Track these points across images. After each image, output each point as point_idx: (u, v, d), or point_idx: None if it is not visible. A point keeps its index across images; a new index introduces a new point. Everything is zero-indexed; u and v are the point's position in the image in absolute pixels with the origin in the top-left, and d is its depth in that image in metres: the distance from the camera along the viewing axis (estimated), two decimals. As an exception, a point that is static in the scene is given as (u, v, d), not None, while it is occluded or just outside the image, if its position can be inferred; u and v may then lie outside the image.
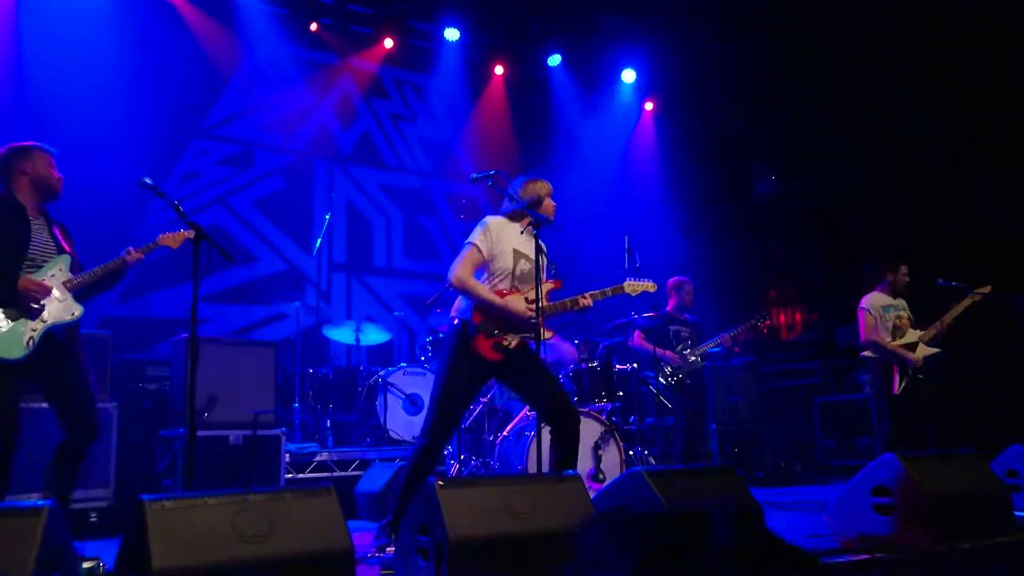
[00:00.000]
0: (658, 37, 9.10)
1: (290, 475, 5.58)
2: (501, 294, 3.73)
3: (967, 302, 5.45)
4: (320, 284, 8.08)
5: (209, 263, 3.18)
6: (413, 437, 6.14)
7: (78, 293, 3.62)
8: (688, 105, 9.74)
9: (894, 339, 5.50)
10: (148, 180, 3.42)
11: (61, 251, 3.63)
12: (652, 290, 4.24)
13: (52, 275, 3.55)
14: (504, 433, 5.51)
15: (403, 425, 6.31)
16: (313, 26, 8.51)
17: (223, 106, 8.12)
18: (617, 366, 6.17)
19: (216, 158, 8.01)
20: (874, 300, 5.65)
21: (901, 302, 5.69)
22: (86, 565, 3.20)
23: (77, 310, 3.58)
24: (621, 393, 6.05)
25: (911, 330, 5.53)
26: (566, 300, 3.89)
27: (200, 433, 4.97)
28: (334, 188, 8.60)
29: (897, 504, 3.60)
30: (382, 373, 6.49)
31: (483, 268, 3.80)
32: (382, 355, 7.85)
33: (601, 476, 5.31)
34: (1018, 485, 4.57)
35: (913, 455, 3.76)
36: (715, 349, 6.31)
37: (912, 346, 5.47)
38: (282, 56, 8.37)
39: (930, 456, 3.92)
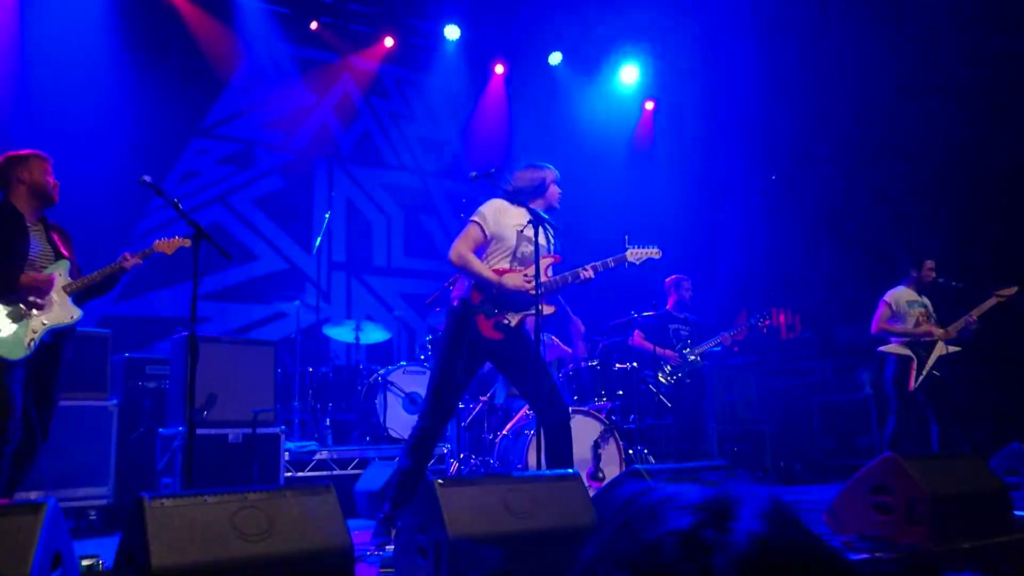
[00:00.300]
0: (659, 35, 9.10)
1: (289, 473, 5.58)
2: (499, 272, 3.75)
3: (992, 302, 5.43)
4: (320, 283, 8.09)
5: (209, 262, 3.19)
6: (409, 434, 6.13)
7: (76, 297, 3.68)
8: (689, 102, 9.73)
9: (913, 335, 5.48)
10: (148, 178, 3.44)
11: (59, 256, 3.69)
12: (656, 256, 4.12)
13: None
14: (504, 432, 5.51)
15: (403, 424, 6.30)
16: (313, 25, 8.51)
17: (223, 105, 8.12)
18: (617, 365, 6.17)
19: (216, 157, 8.01)
20: (898, 295, 5.64)
21: (925, 300, 5.67)
22: (85, 563, 3.20)
23: (76, 313, 3.65)
24: (621, 392, 6.05)
25: (932, 327, 5.50)
26: (567, 273, 3.90)
27: (199, 431, 4.96)
28: (334, 187, 8.60)
29: (897, 504, 3.59)
30: (382, 372, 6.49)
31: (483, 247, 3.81)
32: (382, 354, 7.85)
33: (601, 475, 5.31)
34: (1017, 484, 4.57)
35: (913, 454, 3.76)
36: (715, 348, 6.31)
37: (930, 344, 5.43)
38: (282, 55, 8.37)
39: (930, 455, 3.92)
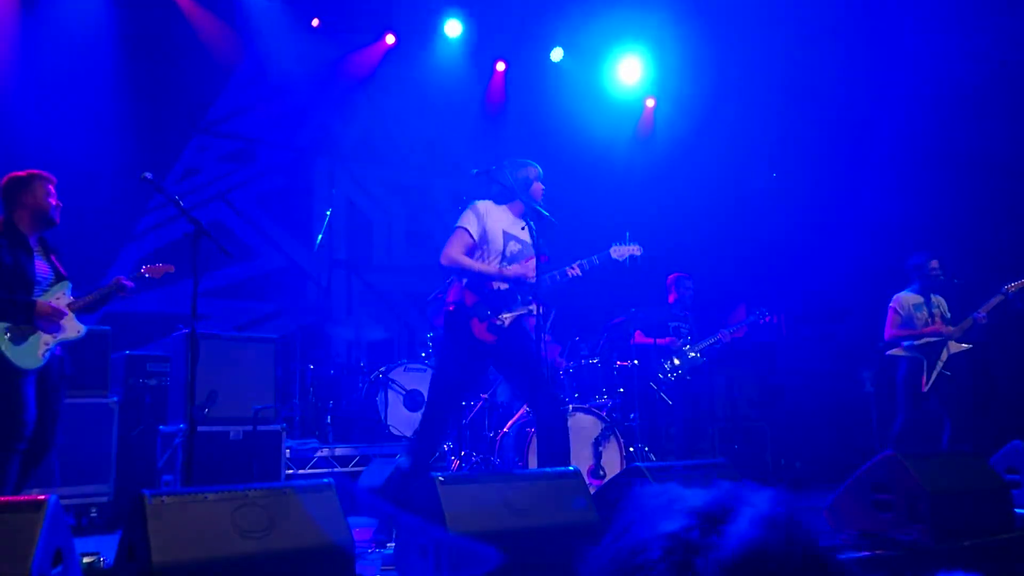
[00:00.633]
0: (660, 33, 9.08)
1: (290, 471, 5.59)
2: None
3: (1000, 298, 5.40)
4: (321, 280, 8.08)
5: (209, 259, 3.20)
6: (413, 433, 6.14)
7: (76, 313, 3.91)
8: (689, 99, 9.72)
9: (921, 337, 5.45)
10: (149, 175, 3.46)
11: (60, 277, 3.88)
12: (638, 253, 4.17)
13: (56, 298, 3.79)
14: (504, 429, 5.52)
15: (404, 421, 6.31)
16: (315, 21, 8.50)
17: (224, 102, 8.11)
18: (617, 363, 6.17)
19: (217, 154, 8.01)
20: (904, 299, 5.60)
21: (936, 299, 5.61)
22: (86, 560, 3.20)
23: (82, 328, 3.90)
24: (622, 390, 6.05)
25: (940, 326, 5.47)
26: (555, 272, 3.92)
27: (200, 428, 4.94)
28: (335, 184, 8.59)
29: (897, 501, 3.59)
30: (383, 369, 6.49)
31: (472, 249, 3.82)
32: (383, 351, 7.84)
33: (601, 472, 5.31)
34: (1017, 482, 4.56)
35: (913, 452, 3.76)
36: (715, 346, 6.32)
37: (940, 344, 5.38)
38: (283, 52, 8.36)
39: (930, 454, 3.92)
